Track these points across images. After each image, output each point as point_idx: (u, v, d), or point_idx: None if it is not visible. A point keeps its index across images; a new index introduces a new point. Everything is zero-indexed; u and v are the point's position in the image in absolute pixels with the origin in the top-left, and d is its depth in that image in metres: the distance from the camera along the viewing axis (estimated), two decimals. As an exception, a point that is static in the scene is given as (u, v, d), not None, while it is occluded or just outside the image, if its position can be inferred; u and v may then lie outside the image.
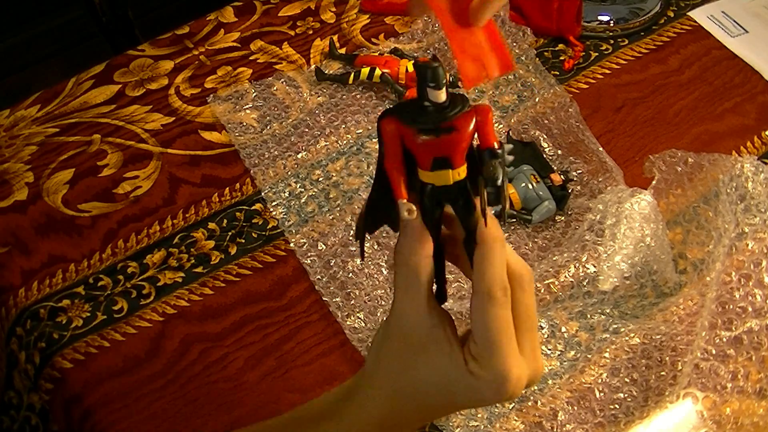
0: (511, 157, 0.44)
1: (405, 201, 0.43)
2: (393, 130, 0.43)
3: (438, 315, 0.45)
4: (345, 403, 0.49)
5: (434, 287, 0.47)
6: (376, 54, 0.87)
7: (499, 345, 0.43)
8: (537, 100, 0.83)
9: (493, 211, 0.45)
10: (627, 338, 0.65)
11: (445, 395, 0.46)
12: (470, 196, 0.44)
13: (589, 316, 0.67)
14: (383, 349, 0.47)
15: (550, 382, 0.64)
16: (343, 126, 0.81)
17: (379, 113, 0.44)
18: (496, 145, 0.43)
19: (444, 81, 0.42)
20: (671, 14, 0.93)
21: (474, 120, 0.43)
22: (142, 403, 0.64)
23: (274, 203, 0.76)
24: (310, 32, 0.91)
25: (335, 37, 0.90)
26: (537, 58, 0.87)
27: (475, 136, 0.44)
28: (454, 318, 0.47)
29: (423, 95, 0.43)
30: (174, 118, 0.83)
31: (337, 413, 0.49)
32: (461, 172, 0.44)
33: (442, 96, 0.42)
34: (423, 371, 0.46)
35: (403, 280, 0.45)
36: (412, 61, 0.82)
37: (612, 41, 0.90)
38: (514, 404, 0.63)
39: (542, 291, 0.67)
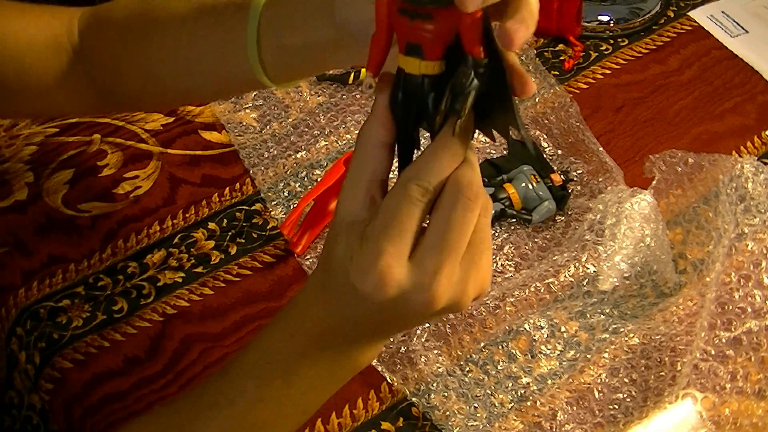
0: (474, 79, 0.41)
1: (371, 75, 0.42)
2: (384, 4, 0.41)
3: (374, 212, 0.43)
4: (294, 306, 0.47)
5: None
6: (376, 54, 0.87)
7: (381, 244, 0.41)
8: (537, 100, 0.83)
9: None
10: (626, 338, 0.65)
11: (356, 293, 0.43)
12: (440, 98, 0.42)
13: (588, 316, 0.67)
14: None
15: (549, 382, 0.64)
16: (343, 126, 0.81)
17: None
18: (476, 56, 0.40)
19: None
20: (671, 14, 0.93)
21: (460, 18, 0.39)
22: (142, 403, 0.64)
23: (273, 203, 0.76)
24: (310, 32, 0.91)
25: (335, 37, 0.90)
26: (537, 58, 0.87)
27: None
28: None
29: None
30: (174, 118, 0.83)
31: (283, 317, 0.48)
32: (434, 67, 0.41)
33: None
34: (337, 262, 0.44)
35: (353, 161, 0.43)
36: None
37: (612, 41, 0.90)
38: (513, 404, 0.63)
39: (542, 291, 0.67)
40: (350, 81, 0.84)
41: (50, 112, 0.70)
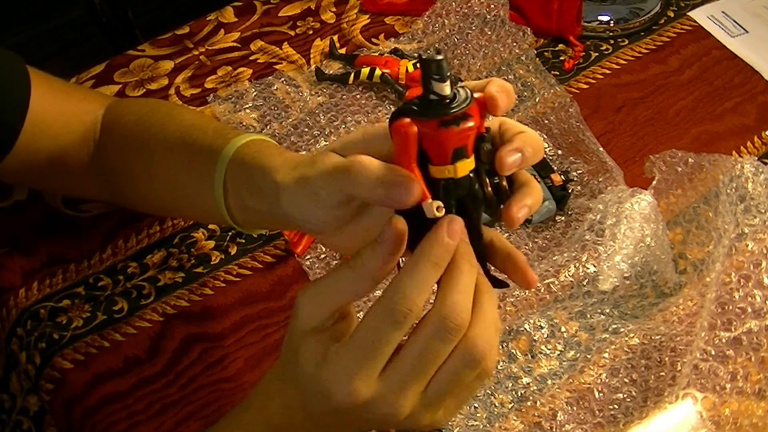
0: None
1: (431, 201, 0.43)
2: (411, 129, 0.43)
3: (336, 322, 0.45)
4: (255, 394, 0.49)
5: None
6: (376, 54, 0.87)
7: (358, 362, 0.43)
8: (537, 100, 0.83)
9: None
10: (626, 338, 0.65)
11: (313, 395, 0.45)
12: (476, 184, 0.45)
13: (588, 316, 0.67)
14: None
15: (549, 382, 0.64)
16: (343, 126, 0.81)
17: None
18: (484, 130, 0.45)
19: (448, 74, 0.43)
20: (671, 14, 0.93)
21: (481, 103, 0.44)
22: (142, 403, 0.64)
23: (274, 203, 0.76)
24: (310, 32, 0.91)
25: (335, 37, 0.90)
26: (537, 58, 0.87)
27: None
28: None
29: (429, 89, 0.43)
30: (174, 118, 0.83)
31: (244, 407, 0.49)
32: (473, 162, 0.44)
33: (447, 89, 0.43)
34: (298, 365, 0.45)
35: (332, 272, 0.45)
36: (414, 60, 0.82)
37: (612, 41, 0.90)
38: (513, 404, 0.63)
39: (542, 291, 0.67)
40: (350, 81, 0.84)
41: (82, 193, 0.74)
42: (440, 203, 0.43)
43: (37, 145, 0.65)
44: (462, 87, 0.44)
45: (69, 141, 0.66)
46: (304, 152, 0.80)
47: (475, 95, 0.44)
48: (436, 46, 0.87)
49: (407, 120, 0.43)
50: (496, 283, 0.48)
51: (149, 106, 0.66)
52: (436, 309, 0.43)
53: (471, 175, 0.44)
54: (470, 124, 0.43)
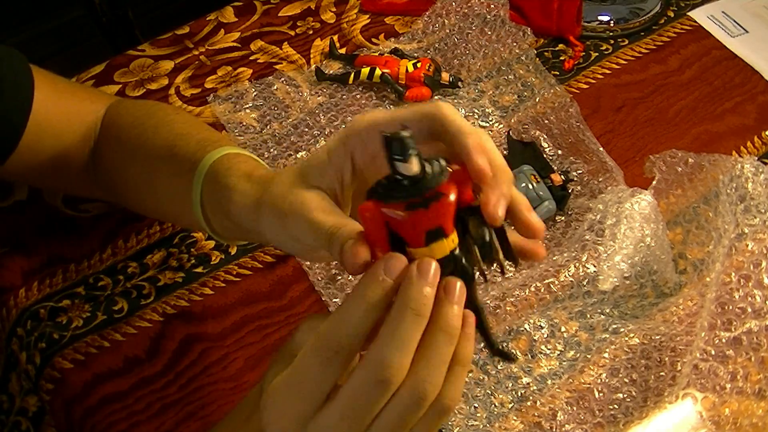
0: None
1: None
2: (375, 214, 0.40)
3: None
4: (232, 413, 0.48)
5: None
6: (376, 54, 0.87)
7: (287, 403, 0.41)
8: (537, 100, 0.83)
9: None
10: (626, 338, 0.65)
11: None
12: (461, 261, 0.41)
13: (588, 316, 0.67)
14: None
15: (549, 382, 0.64)
16: (343, 126, 0.81)
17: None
18: (474, 201, 0.41)
19: (413, 151, 0.38)
20: (671, 14, 0.93)
21: (459, 177, 0.41)
22: (142, 403, 0.64)
23: (274, 203, 0.76)
24: (310, 32, 0.91)
25: (335, 37, 0.90)
26: (537, 58, 0.87)
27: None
28: None
29: (394, 170, 0.39)
30: (174, 118, 0.83)
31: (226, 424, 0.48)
32: (454, 239, 0.41)
33: (413, 168, 0.39)
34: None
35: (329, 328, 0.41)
36: (415, 60, 0.82)
37: (612, 41, 0.90)
38: (513, 404, 0.63)
39: (542, 291, 0.67)
40: (350, 81, 0.84)
41: (83, 193, 0.74)
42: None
43: (41, 144, 0.65)
44: (437, 159, 0.40)
45: (72, 140, 0.66)
46: (303, 153, 0.80)
47: (453, 167, 0.40)
48: (436, 46, 0.87)
49: (371, 204, 0.40)
50: (503, 356, 0.45)
51: (146, 108, 0.66)
52: (364, 360, 0.39)
53: (456, 252, 0.41)
54: (445, 202, 0.39)
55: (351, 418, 0.40)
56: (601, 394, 0.63)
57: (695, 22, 0.92)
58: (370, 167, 0.46)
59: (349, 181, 0.46)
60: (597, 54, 0.88)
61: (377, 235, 0.41)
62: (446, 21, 0.90)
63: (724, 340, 0.62)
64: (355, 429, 0.40)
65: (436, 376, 0.40)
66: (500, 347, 0.45)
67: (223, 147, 0.57)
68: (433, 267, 0.40)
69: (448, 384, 0.41)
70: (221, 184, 0.53)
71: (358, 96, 0.84)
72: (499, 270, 0.43)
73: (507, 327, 0.66)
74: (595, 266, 0.66)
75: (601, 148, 0.78)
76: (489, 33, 0.88)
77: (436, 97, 0.83)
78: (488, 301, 0.66)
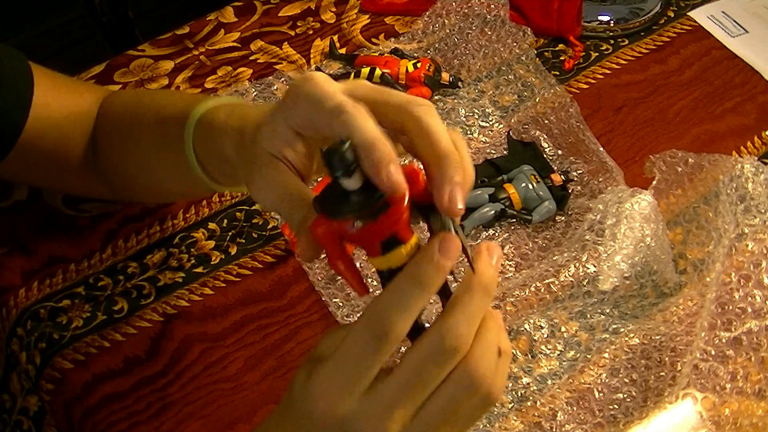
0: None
1: (371, 293, 0.41)
2: (326, 230, 0.40)
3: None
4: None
5: None
6: (376, 54, 0.87)
7: (338, 373, 0.40)
8: (537, 100, 0.83)
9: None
10: (626, 338, 0.65)
11: None
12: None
13: (589, 316, 0.67)
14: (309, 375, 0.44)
15: (549, 382, 0.64)
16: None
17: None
18: (431, 199, 0.40)
19: (353, 165, 0.38)
20: (671, 14, 0.93)
21: (412, 182, 0.40)
22: (142, 403, 0.64)
23: (274, 203, 0.76)
24: (310, 32, 0.91)
25: (335, 37, 0.90)
26: (537, 58, 0.87)
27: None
28: None
29: (338, 185, 0.38)
30: (174, 118, 0.83)
31: None
32: (413, 244, 0.40)
33: (355, 182, 0.38)
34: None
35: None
36: (415, 60, 0.82)
37: (612, 41, 0.90)
38: (513, 404, 0.63)
39: (542, 291, 0.67)
40: (350, 80, 0.84)
41: (83, 190, 0.73)
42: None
43: (42, 140, 0.65)
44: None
45: (73, 132, 0.66)
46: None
47: (418, 165, 0.40)
48: (436, 46, 0.87)
49: (321, 221, 0.40)
50: None
51: (137, 95, 0.67)
52: (434, 328, 0.40)
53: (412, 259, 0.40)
54: (394, 210, 0.39)
55: (409, 391, 0.40)
56: (601, 394, 0.63)
57: (695, 22, 0.92)
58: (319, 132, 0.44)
59: (302, 148, 0.45)
60: (597, 54, 0.89)
61: (335, 250, 0.40)
62: (446, 21, 0.90)
63: (724, 340, 0.62)
64: (410, 405, 0.40)
65: (491, 360, 0.41)
66: None
67: (210, 99, 0.56)
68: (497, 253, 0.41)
69: (497, 373, 0.42)
70: (211, 126, 0.52)
71: (358, 96, 0.84)
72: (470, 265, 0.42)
73: (507, 327, 0.66)
74: (595, 266, 0.66)
75: (601, 148, 0.78)
76: (489, 33, 0.88)
77: (436, 97, 0.83)
78: (488, 301, 0.66)
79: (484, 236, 0.73)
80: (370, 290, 0.42)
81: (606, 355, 0.65)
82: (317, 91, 0.42)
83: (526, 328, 0.66)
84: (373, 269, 0.44)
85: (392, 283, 0.40)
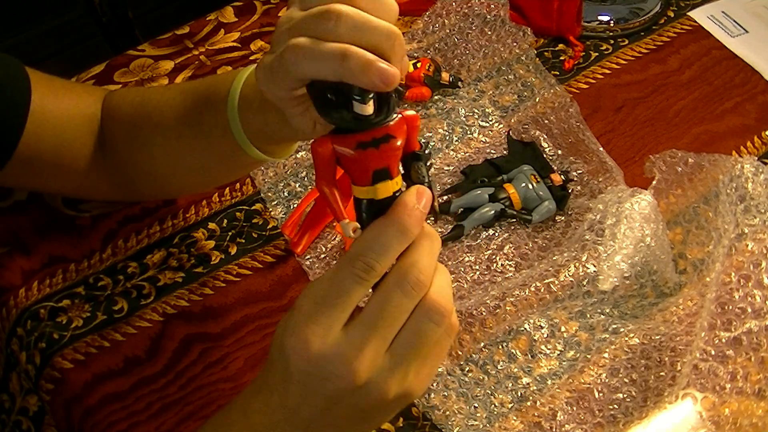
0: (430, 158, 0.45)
1: (348, 221, 0.43)
2: (327, 150, 0.42)
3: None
4: (241, 394, 0.48)
5: None
6: (376, 54, 0.87)
7: (314, 310, 0.43)
8: (537, 100, 0.83)
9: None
10: (626, 338, 0.65)
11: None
12: None
13: (588, 316, 0.67)
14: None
15: (549, 382, 0.64)
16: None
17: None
18: (418, 149, 0.44)
19: (369, 93, 0.41)
20: (671, 14, 0.93)
21: (405, 126, 0.43)
22: (142, 403, 0.64)
23: (273, 203, 0.76)
24: (310, 32, 0.91)
25: (335, 37, 0.90)
26: (537, 58, 0.87)
27: None
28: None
29: (350, 110, 0.41)
30: (174, 118, 0.83)
31: (233, 405, 0.48)
32: (398, 181, 0.44)
33: (369, 108, 0.41)
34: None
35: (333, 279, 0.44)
36: (415, 60, 0.82)
37: (612, 41, 0.90)
38: (513, 404, 0.63)
39: (542, 291, 0.67)
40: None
41: (87, 193, 0.74)
42: (357, 225, 0.43)
43: (42, 144, 0.65)
44: (389, 102, 0.42)
45: (74, 136, 0.66)
46: (303, 153, 0.80)
47: (408, 113, 0.43)
48: (436, 46, 0.87)
49: (322, 140, 0.43)
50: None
51: (144, 90, 0.67)
52: (398, 264, 0.43)
53: (396, 194, 0.43)
54: (394, 145, 0.42)
55: (378, 327, 0.43)
56: (601, 394, 0.63)
57: (695, 22, 0.92)
58: None
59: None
60: (597, 54, 0.89)
61: (326, 171, 0.43)
62: (446, 21, 0.90)
63: (724, 340, 0.62)
64: (380, 341, 0.43)
65: (450, 293, 0.45)
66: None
67: (241, 71, 0.58)
68: None
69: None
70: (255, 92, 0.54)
71: (358, 96, 0.84)
72: (433, 218, 0.46)
73: (507, 327, 0.66)
74: (595, 266, 0.66)
75: (601, 148, 0.78)
76: (489, 33, 0.88)
77: (436, 97, 0.83)
78: (488, 301, 0.66)
79: (484, 236, 0.73)
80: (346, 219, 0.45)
81: (606, 355, 0.65)
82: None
83: (526, 328, 0.66)
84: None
85: (374, 227, 0.43)
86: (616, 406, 0.62)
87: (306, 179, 0.78)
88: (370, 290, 0.44)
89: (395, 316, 0.43)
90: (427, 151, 0.46)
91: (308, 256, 0.72)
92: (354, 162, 0.42)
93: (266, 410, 0.46)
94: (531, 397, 0.63)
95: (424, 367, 0.45)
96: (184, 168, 0.65)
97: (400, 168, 0.45)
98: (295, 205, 0.75)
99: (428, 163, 0.45)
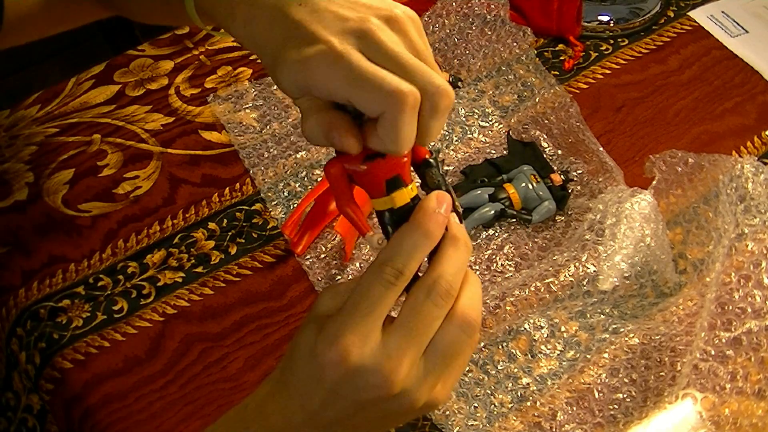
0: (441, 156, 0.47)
1: (372, 233, 0.45)
2: (339, 170, 0.44)
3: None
4: (255, 394, 0.48)
5: None
6: (376, 54, 0.87)
7: (349, 320, 0.43)
8: (537, 100, 0.83)
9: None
10: (626, 338, 0.65)
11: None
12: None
13: (588, 315, 0.67)
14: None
15: (549, 382, 0.64)
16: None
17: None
18: (428, 156, 0.46)
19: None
20: (671, 14, 0.93)
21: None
22: (142, 403, 0.64)
23: (273, 203, 0.76)
24: (310, 32, 0.91)
25: (335, 37, 0.90)
26: (537, 58, 0.87)
27: None
28: None
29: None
30: (174, 118, 0.83)
31: (248, 405, 0.48)
32: (413, 188, 0.45)
33: None
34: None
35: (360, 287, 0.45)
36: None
37: (612, 41, 0.90)
38: (513, 404, 0.63)
39: (542, 291, 0.67)
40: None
41: (84, 17, 0.71)
42: (381, 236, 0.45)
43: None
44: None
45: None
46: (303, 153, 0.80)
47: None
48: (436, 46, 0.87)
49: (333, 161, 0.44)
50: None
51: None
52: (425, 275, 0.44)
53: (414, 202, 0.45)
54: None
55: (414, 336, 0.43)
56: (601, 394, 0.63)
57: (695, 22, 0.92)
58: None
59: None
60: (597, 54, 0.89)
61: (341, 191, 0.44)
62: (446, 21, 0.90)
63: (724, 340, 0.62)
64: (415, 350, 0.43)
65: (479, 304, 0.46)
66: None
67: None
68: None
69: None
70: None
71: (358, 96, 0.84)
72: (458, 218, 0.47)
73: (507, 327, 0.66)
74: (595, 266, 0.66)
75: (601, 148, 0.78)
76: (489, 33, 0.88)
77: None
78: (488, 301, 0.66)
79: (484, 236, 0.73)
80: (371, 231, 0.46)
81: (606, 355, 0.65)
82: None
83: (526, 328, 0.66)
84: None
85: (398, 234, 0.44)
86: (616, 406, 0.62)
87: (306, 179, 0.78)
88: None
89: (427, 324, 0.44)
90: (439, 157, 0.46)
91: (308, 256, 0.72)
92: (365, 176, 0.44)
93: (285, 412, 0.46)
94: (531, 397, 0.63)
95: (450, 377, 0.46)
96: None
97: (414, 175, 0.46)
98: (295, 205, 0.75)
99: (442, 170, 0.47)
